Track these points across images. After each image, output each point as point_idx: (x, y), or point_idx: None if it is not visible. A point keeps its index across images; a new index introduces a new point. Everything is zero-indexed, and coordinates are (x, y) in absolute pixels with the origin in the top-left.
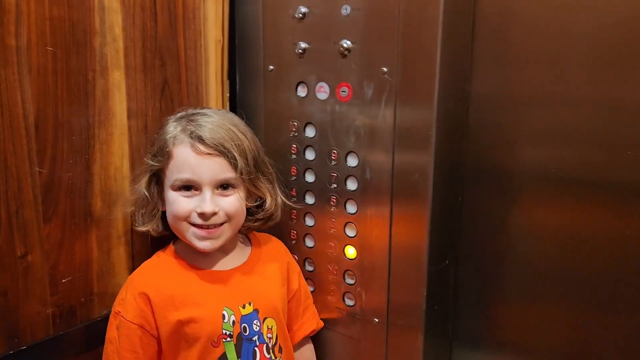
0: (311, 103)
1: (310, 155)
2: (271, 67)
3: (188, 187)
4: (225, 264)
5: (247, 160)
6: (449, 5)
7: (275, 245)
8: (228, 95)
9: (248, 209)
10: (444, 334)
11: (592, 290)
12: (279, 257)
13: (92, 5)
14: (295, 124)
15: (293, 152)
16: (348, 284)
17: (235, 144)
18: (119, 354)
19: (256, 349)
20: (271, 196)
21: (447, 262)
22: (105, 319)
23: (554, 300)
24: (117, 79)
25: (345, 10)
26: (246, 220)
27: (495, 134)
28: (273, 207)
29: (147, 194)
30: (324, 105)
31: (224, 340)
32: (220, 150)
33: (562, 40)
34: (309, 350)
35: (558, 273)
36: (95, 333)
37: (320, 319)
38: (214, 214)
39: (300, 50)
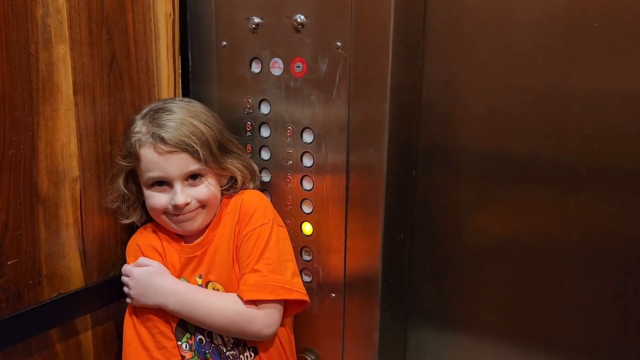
0: (265, 79)
1: (265, 132)
2: (224, 42)
3: (160, 182)
4: (196, 236)
5: (211, 149)
6: None
7: (237, 205)
8: (180, 71)
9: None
10: (399, 307)
11: (541, 264)
12: (232, 221)
13: None
14: (250, 100)
15: (248, 129)
16: (305, 260)
17: (196, 138)
18: None
19: None
20: (242, 173)
21: (402, 235)
22: (55, 302)
23: (505, 274)
24: (62, 52)
25: None
26: (227, 191)
27: (447, 114)
28: (247, 179)
29: (126, 191)
30: (279, 81)
31: None
32: (182, 147)
33: (509, 29)
34: None
35: (506, 245)
36: (45, 316)
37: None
38: (187, 204)
39: (253, 25)
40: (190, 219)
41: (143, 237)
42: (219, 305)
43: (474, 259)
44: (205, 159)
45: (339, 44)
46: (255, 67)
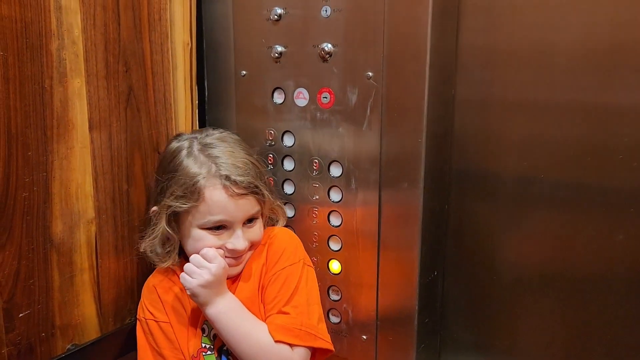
0: (289, 110)
1: (289, 165)
2: (244, 72)
3: (218, 226)
4: None
5: (268, 190)
6: (437, 5)
7: (264, 243)
8: (197, 102)
9: None
10: (434, 348)
11: (581, 297)
12: (259, 260)
13: (48, 4)
14: (272, 132)
15: (270, 162)
16: (333, 300)
17: (261, 180)
18: (161, 353)
19: (230, 357)
20: (283, 217)
21: (435, 273)
22: (69, 356)
23: (542, 307)
24: (78, 86)
25: (325, 11)
26: None
27: (480, 139)
28: (285, 219)
29: (170, 232)
30: (304, 112)
31: (203, 354)
32: (252, 190)
33: (546, 46)
34: None
35: (546, 280)
36: None
37: None
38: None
39: (276, 54)
40: (241, 262)
41: (161, 279)
42: (258, 332)
43: (509, 293)
44: (264, 201)
45: (370, 74)
46: (278, 98)
